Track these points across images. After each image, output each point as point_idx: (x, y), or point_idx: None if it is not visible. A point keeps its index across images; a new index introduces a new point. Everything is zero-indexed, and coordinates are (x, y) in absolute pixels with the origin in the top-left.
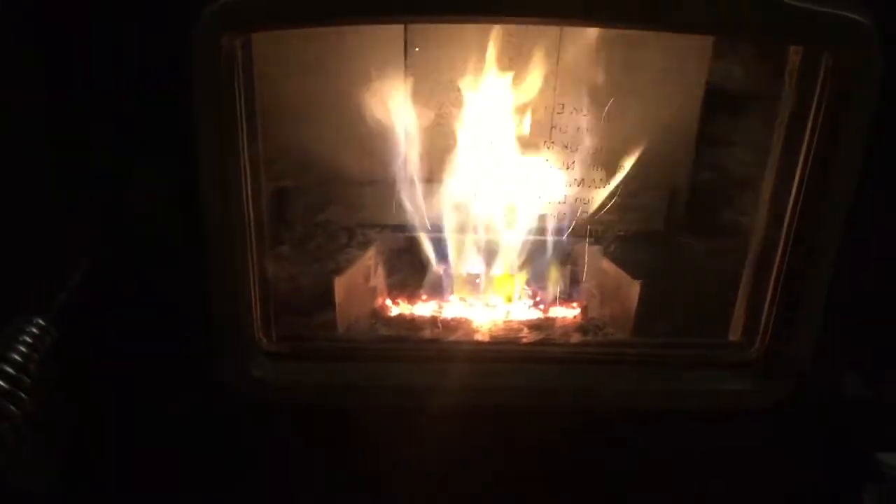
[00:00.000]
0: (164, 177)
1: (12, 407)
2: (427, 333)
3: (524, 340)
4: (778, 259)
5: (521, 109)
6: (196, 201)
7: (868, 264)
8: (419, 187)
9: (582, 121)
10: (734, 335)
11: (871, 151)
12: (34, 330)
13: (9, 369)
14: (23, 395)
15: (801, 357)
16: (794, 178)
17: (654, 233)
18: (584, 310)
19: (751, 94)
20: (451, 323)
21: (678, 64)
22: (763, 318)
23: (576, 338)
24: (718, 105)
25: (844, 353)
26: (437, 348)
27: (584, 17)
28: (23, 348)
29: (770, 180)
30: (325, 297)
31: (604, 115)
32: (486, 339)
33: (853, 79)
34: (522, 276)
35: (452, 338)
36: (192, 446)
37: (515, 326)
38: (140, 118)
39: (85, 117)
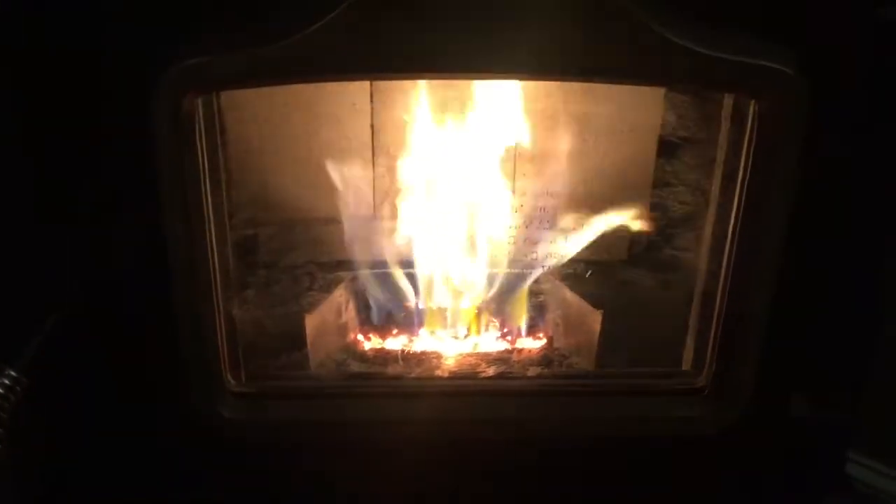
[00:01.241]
0: (132, 227)
1: None
2: (395, 369)
3: (490, 374)
4: (720, 291)
5: (486, 149)
6: (163, 251)
7: (803, 293)
8: (384, 225)
9: (547, 157)
10: (686, 364)
11: (801, 189)
12: (5, 381)
13: None
14: None
15: (745, 383)
16: (730, 216)
17: (616, 265)
18: (550, 340)
19: (690, 139)
20: (420, 357)
21: (636, 108)
22: (709, 346)
23: (541, 369)
24: (661, 149)
25: (788, 376)
26: (405, 384)
27: (513, 71)
28: None
29: (710, 219)
30: (297, 336)
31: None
32: (454, 373)
33: (779, 123)
34: (490, 309)
35: (420, 373)
36: (163, 486)
37: (483, 359)
38: (108, 174)
39: (56, 172)
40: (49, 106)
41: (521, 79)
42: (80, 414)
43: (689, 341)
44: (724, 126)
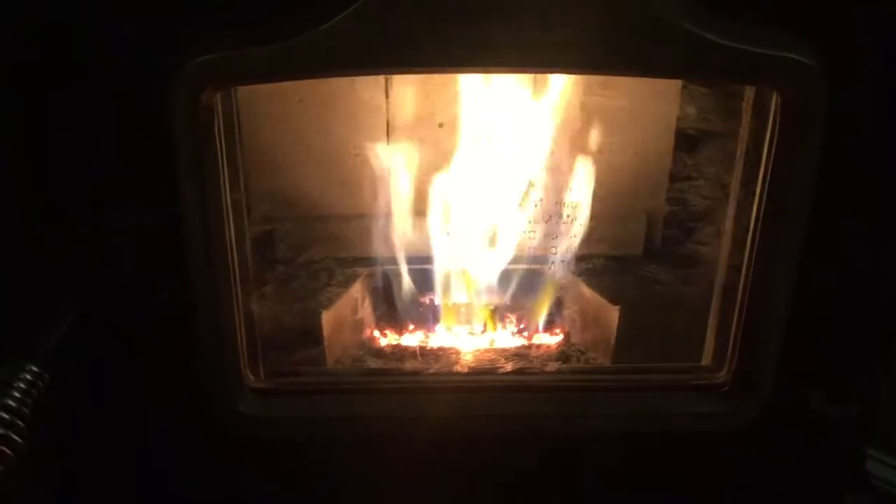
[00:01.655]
0: (149, 223)
1: (8, 450)
2: (412, 365)
3: (508, 369)
4: (741, 285)
5: (503, 144)
6: (181, 246)
7: (825, 286)
8: (403, 221)
9: (564, 152)
10: (706, 359)
11: (823, 180)
12: (27, 376)
13: (4, 415)
14: (18, 439)
15: (766, 379)
16: (751, 209)
17: (634, 259)
18: (567, 336)
19: (711, 132)
20: (437, 353)
21: (652, 102)
22: (730, 341)
23: (558, 365)
24: (680, 142)
25: (808, 371)
26: (423, 380)
27: (534, 66)
28: (17, 394)
29: (731, 212)
30: (313, 332)
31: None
32: (472, 368)
33: (801, 115)
34: (506, 305)
35: (437, 368)
36: (181, 482)
37: (500, 355)
38: (125, 167)
39: (76, 169)
40: (68, 101)
41: (541, 72)
42: (97, 409)
43: (710, 336)
44: (746, 118)
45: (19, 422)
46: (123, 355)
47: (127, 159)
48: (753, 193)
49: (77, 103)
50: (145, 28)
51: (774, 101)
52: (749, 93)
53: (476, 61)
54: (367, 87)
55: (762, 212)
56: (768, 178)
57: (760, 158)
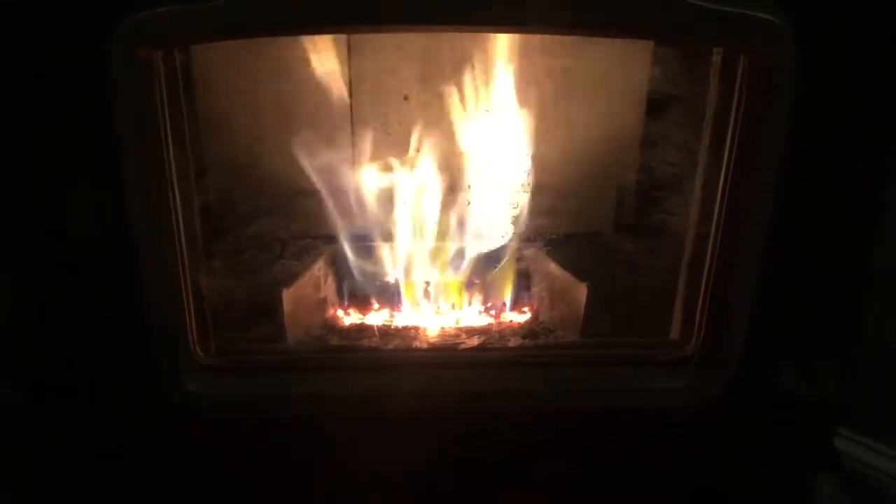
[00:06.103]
0: (91, 190)
1: None
2: (373, 342)
3: (469, 346)
4: (708, 255)
5: (466, 116)
6: (124, 211)
7: (794, 259)
8: (362, 197)
9: (527, 126)
10: (674, 333)
11: (792, 147)
12: None
13: None
14: None
15: (733, 351)
16: (719, 176)
17: (603, 232)
18: (535, 313)
19: (677, 96)
20: (400, 331)
21: (620, 69)
22: (697, 315)
23: (526, 341)
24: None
25: (777, 347)
26: (384, 356)
27: (494, 22)
28: None
29: (698, 180)
30: (269, 309)
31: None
32: (435, 345)
33: (769, 76)
34: (473, 282)
35: (399, 345)
36: (129, 463)
37: (466, 332)
38: (63, 133)
39: (7, 134)
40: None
41: (505, 31)
42: (40, 387)
43: (677, 310)
44: (713, 82)
45: None
46: (65, 331)
47: (64, 120)
48: (721, 159)
49: (18, 62)
50: None
51: (742, 64)
52: (716, 56)
53: (437, 19)
54: (329, 56)
55: (730, 178)
56: (736, 143)
57: (728, 123)
